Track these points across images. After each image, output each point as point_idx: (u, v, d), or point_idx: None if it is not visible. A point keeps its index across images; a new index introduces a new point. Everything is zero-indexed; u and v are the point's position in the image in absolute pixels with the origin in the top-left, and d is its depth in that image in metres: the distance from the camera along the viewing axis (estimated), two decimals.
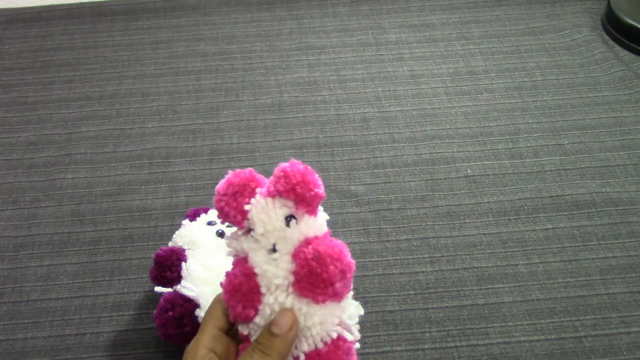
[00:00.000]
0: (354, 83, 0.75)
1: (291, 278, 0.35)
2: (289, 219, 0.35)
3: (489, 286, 0.54)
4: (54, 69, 0.79)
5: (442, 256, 0.57)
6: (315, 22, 0.84)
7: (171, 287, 0.47)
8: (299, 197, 0.35)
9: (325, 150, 0.67)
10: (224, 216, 0.36)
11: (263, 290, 0.35)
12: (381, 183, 0.63)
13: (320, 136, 0.68)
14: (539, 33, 0.81)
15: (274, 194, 0.35)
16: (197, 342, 0.35)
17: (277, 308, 0.35)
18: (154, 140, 0.69)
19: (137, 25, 0.85)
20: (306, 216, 0.35)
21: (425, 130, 0.69)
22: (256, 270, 0.35)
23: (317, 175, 0.36)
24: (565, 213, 0.60)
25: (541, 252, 0.57)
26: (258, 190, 0.35)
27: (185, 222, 0.52)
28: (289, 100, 0.73)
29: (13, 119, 0.72)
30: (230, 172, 0.37)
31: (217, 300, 0.37)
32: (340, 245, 0.35)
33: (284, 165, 0.36)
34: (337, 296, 0.35)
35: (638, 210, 0.60)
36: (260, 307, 0.35)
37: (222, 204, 0.35)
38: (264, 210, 0.35)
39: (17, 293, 0.56)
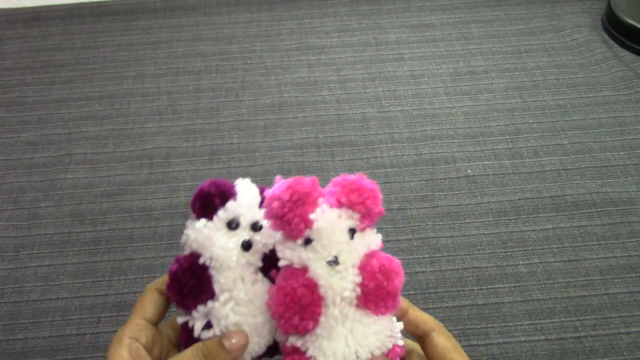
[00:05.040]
0: (354, 83, 0.75)
1: (358, 290, 0.35)
2: (352, 231, 0.35)
3: (489, 286, 0.54)
4: (54, 69, 0.79)
5: (442, 256, 0.57)
6: (315, 22, 0.84)
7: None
8: (367, 211, 0.35)
9: (325, 150, 0.67)
10: (284, 223, 0.34)
11: (328, 302, 0.34)
12: (381, 183, 0.63)
13: (320, 136, 0.68)
14: (539, 33, 0.81)
15: (344, 205, 0.35)
16: (122, 331, 0.35)
17: (341, 320, 0.35)
18: (154, 140, 0.69)
19: (137, 25, 0.85)
20: (367, 230, 0.36)
21: (425, 130, 0.69)
22: (321, 282, 0.34)
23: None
24: (565, 213, 0.60)
25: (541, 252, 0.57)
26: (321, 200, 0.35)
27: (199, 224, 0.37)
28: (289, 100, 0.73)
29: (13, 119, 0.72)
30: (281, 178, 0.36)
31: (147, 289, 0.38)
32: (397, 260, 0.36)
33: (352, 177, 0.36)
34: (395, 309, 0.36)
35: (638, 210, 0.60)
36: (322, 319, 0.34)
37: (286, 210, 0.34)
38: (331, 221, 0.35)
39: (17, 293, 0.56)
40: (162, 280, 0.37)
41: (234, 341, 0.35)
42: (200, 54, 0.80)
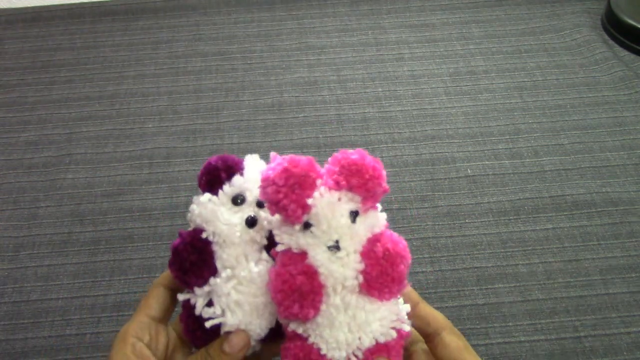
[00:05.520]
0: (354, 83, 0.75)
1: (360, 278, 0.33)
2: (354, 214, 0.33)
3: (489, 286, 0.54)
4: (54, 69, 0.79)
5: (442, 256, 0.57)
6: (315, 22, 0.84)
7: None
8: (370, 193, 0.33)
9: (325, 150, 0.67)
10: (280, 209, 0.32)
11: (329, 290, 0.33)
12: None
13: (320, 136, 0.68)
14: (539, 33, 0.81)
15: (343, 188, 0.32)
16: (126, 330, 0.35)
17: (343, 308, 0.33)
18: (154, 140, 0.69)
19: (137, 25, 0.85)
20: (370, 211, 0.34)
21: (425, 130, 0.69)
22: (321, 270, 0.32)
23: (383, 167, 0.33)
24: (565, 213, 0.60)
25: (541, 252, 0.57)
26: (319, 182, 0.33)
27: (203, 198, 0.37)
28: (289, 100, 0.73)
29: (13, 119, 0.72)
30: (277, 156, 0.33)
31: (153, 285, 0.37)
32: (403, 241, 0.34)
33: (352, 155, 0.33)
34: (400, 293, 0.34)
35: (638, 210, 0.60)
36: (323, 307, 0.33)
37: (281, 196, 0.31)
38: (330, 205, 0.32)
39: (17, 293, 0.56)
40: (167, 275, 0.37)
41: (233, 343, 0.34)
42: (200, 54, 0.80)
